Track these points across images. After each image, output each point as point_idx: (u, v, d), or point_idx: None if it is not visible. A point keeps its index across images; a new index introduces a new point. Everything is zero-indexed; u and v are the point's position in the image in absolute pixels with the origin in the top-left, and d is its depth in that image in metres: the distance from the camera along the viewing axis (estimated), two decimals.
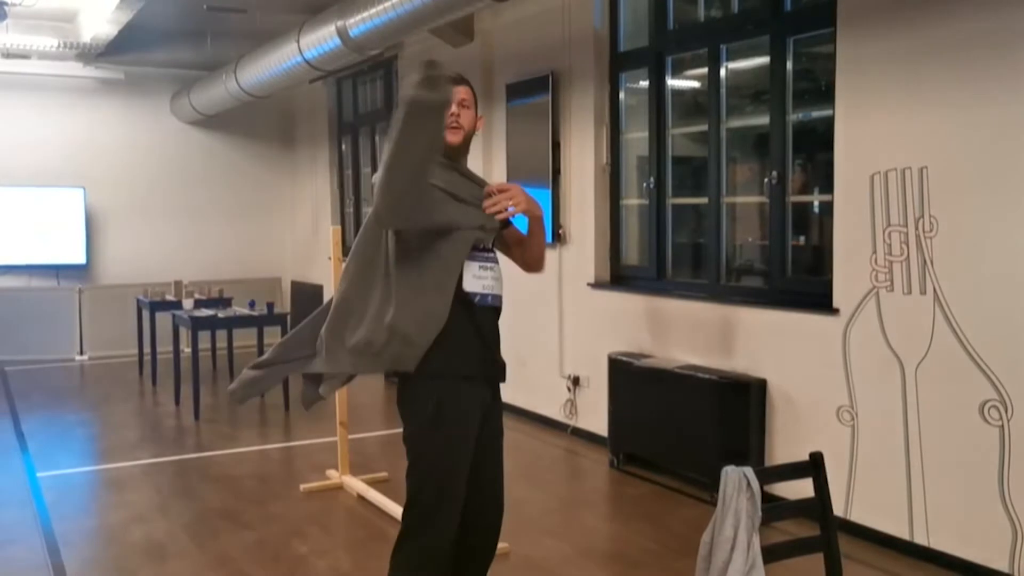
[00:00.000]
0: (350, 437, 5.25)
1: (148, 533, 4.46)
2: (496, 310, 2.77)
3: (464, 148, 2.78)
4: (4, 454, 6.03)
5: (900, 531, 4.06)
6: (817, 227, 4.93)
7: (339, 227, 6.91)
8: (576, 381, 6.18)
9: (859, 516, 4.23)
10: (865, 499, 4.21)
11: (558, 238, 6.28)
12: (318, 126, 10.58)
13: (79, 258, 10.18)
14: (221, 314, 7.35)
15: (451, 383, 2.65)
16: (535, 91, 6.38)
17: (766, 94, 4.90)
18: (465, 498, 2.76)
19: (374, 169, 9.31)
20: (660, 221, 5.69)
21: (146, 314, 8.51)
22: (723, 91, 5.19)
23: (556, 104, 6.26)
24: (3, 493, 5.20)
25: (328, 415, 6.21)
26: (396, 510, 4.25)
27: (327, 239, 7.30)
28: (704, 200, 5.35)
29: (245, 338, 8.40)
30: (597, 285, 6.02)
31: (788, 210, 4.80)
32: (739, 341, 4.91)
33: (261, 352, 7.84)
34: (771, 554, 2.20)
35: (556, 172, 6.29)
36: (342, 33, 6.61)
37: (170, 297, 8.23)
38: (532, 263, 2.97)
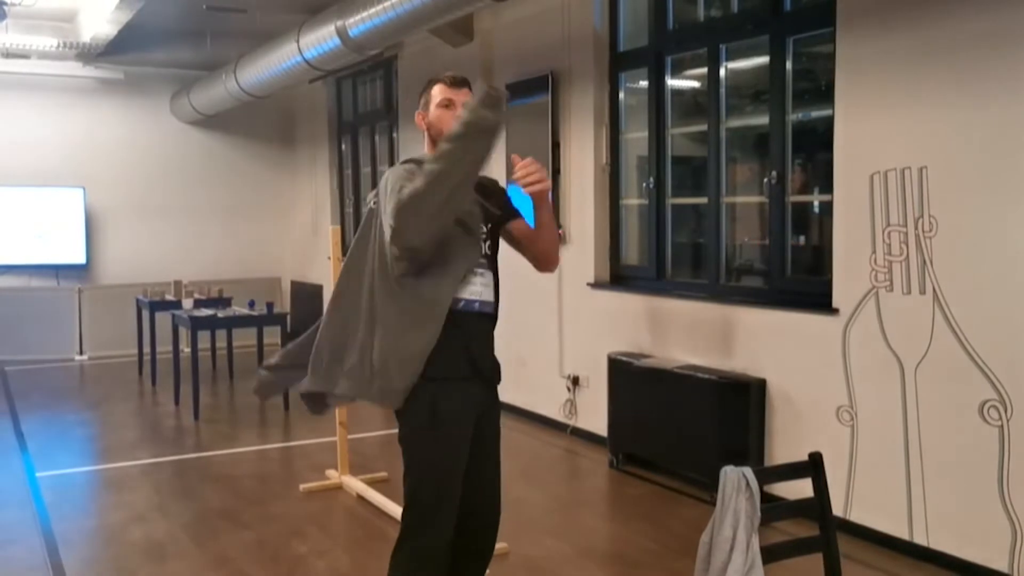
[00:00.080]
0: (349, 437, 5.25)
1: (148, 533, 4.46)
2: (487, 316, 2.74)
3: None
4: (4, 454, 6.03)
5: (899, 531, 4.06)
6: (817, 227, 4.93)
7: (339, 227, 6.91)
8: (576, 381, 6.18)
9: (858, 516, 4.23)
10: (864, 499, 4.21)
11: (559, 243, 6.26)
12: (318, 126, 10.58)
13: (79, 258, 10.18)
14: (221, 314, 7.35)
15: (445, 384, 2.65)
16: (535, 91, 6.38)
17: (766, 94, 4.90)
18: (463, 498, 2.76)
19: (374, 169, 9.32)
20: (660, 221, 5.69)
21: (146, 314, 8.51)
22: (723, 91, 5.19)
23: (556, 104, 6.26)
24: (3, 493, 5.19)
25: (327, 415, 6.22)
26: (395, 510, 4.25)
27: (327, 239, 7.30)
28: (704, 200, 5.35)
29: (245, 338, 8.41)
30: (597, 285, 6.02)
31: (788, 210, 4.80)
32: (739, 341, 4.91)
33: (261, 352, 7.86)
34: (770, 554, 2.20)
35: (556, 172, 6.29)
36: (342, 33, 6.61)
37: (170, 297, 8.23)
38: (544, 257, 2.87)
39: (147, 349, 8.58)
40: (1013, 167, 3.59)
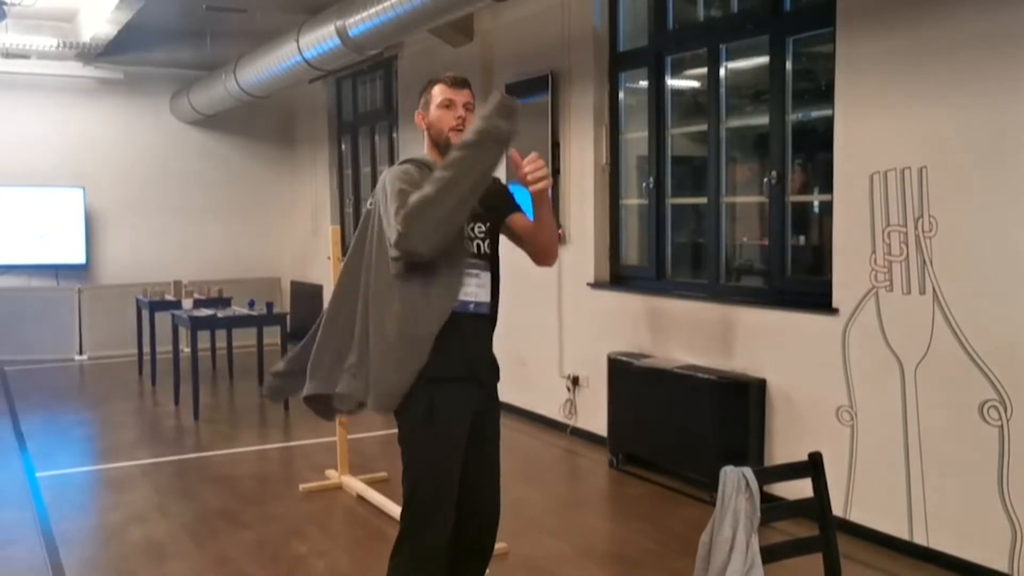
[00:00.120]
0: (349, 437, 5.25)
1: (147, 533, 4.45)
2: (482, 316, 2.74)
3: None
4: (3, 454, 6.03)
5: (899, 531, 4.06)
6: (817, 227, 4.93)
7: (338, 227, 6.92)
8: (576, 381, 6.18)
9: (858, 516, 4.23)
10: (864, 499, 4.21)
11: (558, 238, 6.26)
12: (318, 126, 10.58)
13: (79, 258, 10.18)
14: (220, 314, 7.35)
15: (440, 385, 2.66)
16: (535, 91, 6.38)
17: (766, 94, 4.90)
18: (463, 499, 2.77)
19: (374, 169, 9.32)
20: (660, 221, 5.69)
21: (145, 314, 8.51)
22: (723, 91, 5.19)
23: (556, 104, 6.26)
24: (2, 493, 5.19)
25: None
26: (395, 510, 4.24)
27: (326, 239, 7.31)
28: (704, 200, 5.35)
29: (244, 338, 8.40)
30: (597, 285, 6.02)
31: (788, 210, 4.80)
32: (739, 341, 4.91)
33: (261, 352, 7.86)
34: (770, 554, 2.20)
35: (556, 172, 6.29)
36: (341, 33, 6.61)
37: (169, 297, 8.23)
38: (543, 252, 2.85)
39: (147, 349, 8.57)
40: (1013, 167, 3.58)
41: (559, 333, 6.36)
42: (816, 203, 4.87)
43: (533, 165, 2.59)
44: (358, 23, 6.37)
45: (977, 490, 3.74)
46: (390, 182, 2.66)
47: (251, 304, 7.73)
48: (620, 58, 5.99)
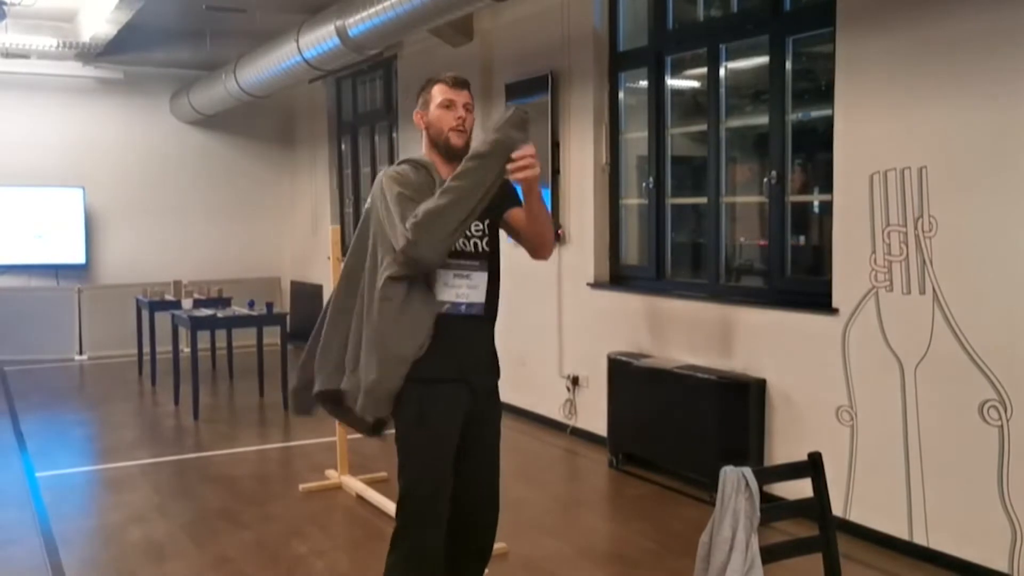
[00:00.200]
0: (349, 437, 5.24)
1: (147, 533, 4.45)
2: (475, 318, 2.74)
3: (465, 151, 2.78)
4: (3, 454, 6.02)
5: (899, 531, 4.06)
6: (817, 227, 4.93)
7: (338, 227, 6.92)
8: (575, 381, 6.18)
9: (858, 516, 4.22)
10: (864, 499, 4.21)
11: (557, 238, 6.27)
12: (317, 126, 10.58)
13: (78, 258, 10.18)
14: (220, 314, 7.35)
15: (431, 386, 2.67)
16: (534, 91, 6.38)
17: (765, 94, 4.90)
18: (461, 499, 2.78)
19: (374, 169, 9.32)
20: (659, 221, 5.69)
21: (145, 314, 8.51)
22: (723, 91, 5.18)
23: (555, 104, 6.26)
24: (2, 493, 5.19)
25: (327, 415, 6.21)
26: (394, 510, 4.24)
27: (326, 239, 7.30)
28: (703, 200, 5.35)
29: (244, 338, 8.40)
30: (596, 285, 6.02)
31: (787, 210, 4.80)
32: (738, 341, 4.91)
33: (261, 352, 7.85)
34: (770, 554, 2.19)
35: (555, 172, 6.29)
36: (341, 33, 6.61)
37: (169, 297, 8.23)
38: (538, 244, 2.83)
39: (147, 349, 8.58)
40: (1013, 167, 3.58)
41: (559, 333, 6.36)
42: (816, 203, 4.87)
43: (519, 153, 2.59)
44: (358, 23, 6.37)
45: (977, 490, 3.74)
46: (387, 185, 2.67)
47: (251, 304, 7.72)
48: (620, 58, 5.99)
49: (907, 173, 3.96)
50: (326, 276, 8.86)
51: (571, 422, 6.24)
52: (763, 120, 4.94)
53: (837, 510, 4.04)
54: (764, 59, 4.88)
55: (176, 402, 7.37)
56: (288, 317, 7.90)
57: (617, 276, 6.06)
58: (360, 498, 4.90)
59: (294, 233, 11.30)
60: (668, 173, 5.68)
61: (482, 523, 2.84)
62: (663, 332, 5.44)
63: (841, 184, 4.29)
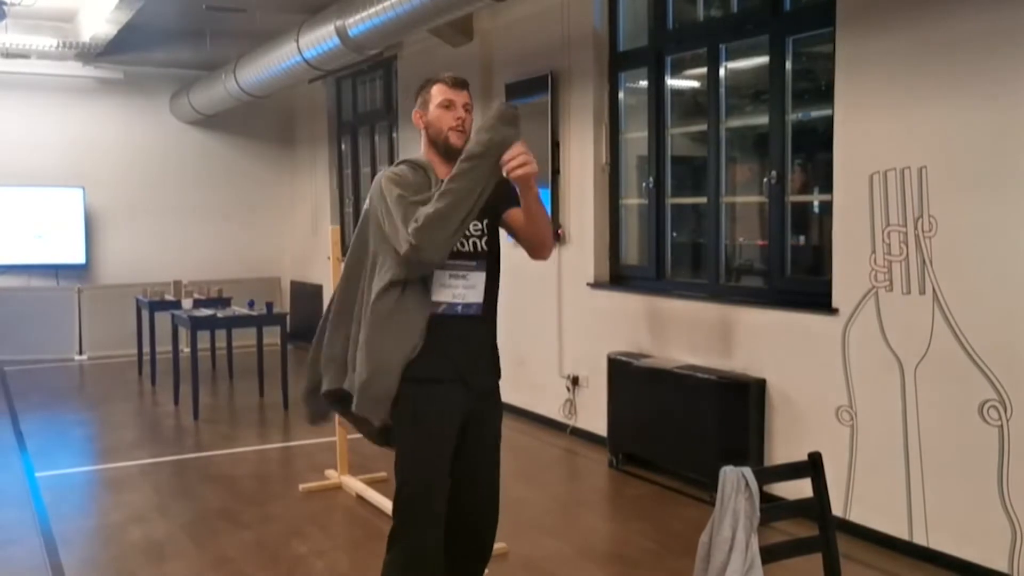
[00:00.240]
0: (349, 437, 5.24)
1: (147, 533, 4.45)
2: (472, 318, 2.74)
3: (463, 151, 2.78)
4: (3, 454, 6.02)
5: (899, 531, 4.06)
6: (817, 227, 4.93)
7: (338, 227, 6.92)
8: (575, 381, 6.18)
9: (858, 516, 4.22)
10: (864, 499, 4.21)
11: (557, 238, 6.27)
12: (317, 126, 10.58)
13: (78, 258, 10.17)
14: (220, 314, 7.35)
15: (425, 386, 2.68)
16: (534, 91, 6.38)
17: (765, 94, 4.90)
18: (462, 499, 2.78)
19: (374, 169, 9.32)
20: (659, 221, 5.69)
21: (145, 314, 8.51)
22: (723, 91, 5.18)
23: (555, 104, 6.26)
24: (2, 493, 5.19)
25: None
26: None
27: (326, 239, 7.30)
28: (703, 200, 5.35)
29: (244, 338, 8.40)
30: (596, 285, 6.02)
31: (787, 210, 4.80)
32: (738, 341, 4.91)
33: (261, 352, 7.85)
34: (770, 554, 2.19)
35: (555, 172, 6.29)
36: (341, 33, 6.61)
37: (169, 297, 8.23)
38: (536, 244, 2.82)
39: (147, 349, 8.58)
40: (1013, 167, 3.58)
41: (559, 333, 6.36)
42: (816, 203, 4.87)
43: (513, 152, 2.58)
44: (358, 23, 6.37)
45: (977, 490, 3.74)
46: (386, 187, 2.68)
47: (251, 304, 7.72)
48: (620, 58, 5.99)
49: (907, 173, 3.96)
50: (326, 276, 8.86)
51: (571, 422, 6.24)
52: (763, 120, 4.94)
53: (837, 510, 4.04)
54: (764, 59, 4.88)
55: (176, 402, 7.37)
56: (288, 317, 7.90)
57: (617, 276, 6.05)
58: (360, 498, 4.90)
59: (294, 233, 11.30)
60: (668, 173, 5.68)
61: (482, 523, 2.84)
62: (663, 332, 5.44)
63: (841, 184, 4.29)
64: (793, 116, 4.77)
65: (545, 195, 6.26)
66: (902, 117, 3.99)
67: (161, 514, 4.74)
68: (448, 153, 2.74)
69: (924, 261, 3.90)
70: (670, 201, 5.69)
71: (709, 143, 5.23)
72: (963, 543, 3.81)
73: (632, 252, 6.08)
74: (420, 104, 2.81)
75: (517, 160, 2.56)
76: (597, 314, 5.99)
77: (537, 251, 2.85)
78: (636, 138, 5.96)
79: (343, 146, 10.26)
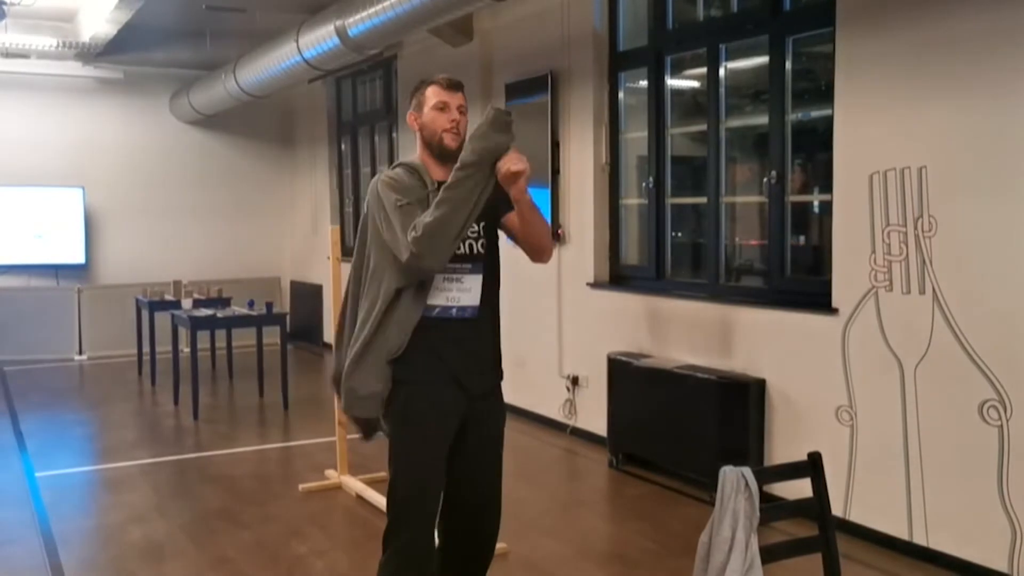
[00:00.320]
0: (349, 437, 5.24)
1: (146, 533, 4.45)
2: (467, 321, 2.74)
3: (459, 152, 2.78)
4: (3, 454, 6.02)
5: (899, 531, 4.06)
6: (816, 227, 4.93)
7: (338, 227, 6.91)
8: (575, 381, 6.18)
9: (858, 516, 4.22)
10: (864, 499, 4.21)
11: (557, 238, 6.27)
12: (317, 126, 10.58)
13: (78, 258, 10.17)
14: (220, 314, 7.35)
15: (416, 387, 2.70)
16: (534, 91, 6.37)
17: (765, 94, 4.90)
18: (462, 499, 2.79)
19: (374, 169, 9.32)
20: (659, 221, 5.69)
21: (145, 314, 8.51)
22: (722, 91, 5.18)
23: (555, 104, 6.25)
24: (2, 493, 5.19)
25: (327, 415, 6.21)
26: None
27: (326, 239, 7.30)
28: (703, 200, 5.35)
29: (244, 338, 8.40)
30: (596, 285, 6.02)
31: (787, 210, 4.80)
32: (738, 341, 4.91)
33: (260, 352, 7.85)
34: (769, 554, 2.19)
35: (555, 172, 6.29)
36: (341, 33, 6.60)
37: (169, 297, 8.23)
38: (535, 250, 2.82)
39: (146, 349, 8.57)
40: (1013, 167, 3.58)
41: (559, 333, 6.36)
42: (816, 203, 4.87)
43: (506, 159, 2.58)
44: (358, 23, 6.36)
45: (977, 490, 3.74)
46: (383, 192, 2.68)
47: (251, 304, 7.72)
48: (620, 58, 5.99)
49: (907, 173, 3.96)
50: (326, 276, 8.85)
51: (571, 422, 6.24)
52: (763, 120, 4.93)
53: (837, 510, 4.04)
54: (764, 59, 4.88)
55: (176, 402, 7.37)
56: (288, 317, 7.90)
57: (617, 276, 6.05)
58: (360, 498, 4.90)
59: (294, 233, 11.30)
60: (668, 173, 5.68)
61: (483, 524, 2.84)
62: (663, 332, 5.44)
63: (841, 184, 4.29)
64: (793, 116, 4.77)
65: (545, 195, 6.26)
66: (902, 117, 3.99)
67: (160, 514, 4.74)
68: (443, 155, 2.74)
69: (924, 261, 3.90)
70: (670, 201, 5.69)
71: (709, 143, 5.23)
72: (963, 543, 3.81)
73: (632, 252, 6.08)
74: (415, 106, 2.81)
75: (513, 167, 2.56)
76: (597, 314, 5.99)
77: (536, 255, 2.86)
78: (636, 138, 5.96)
79: (343, 146, 10.26)
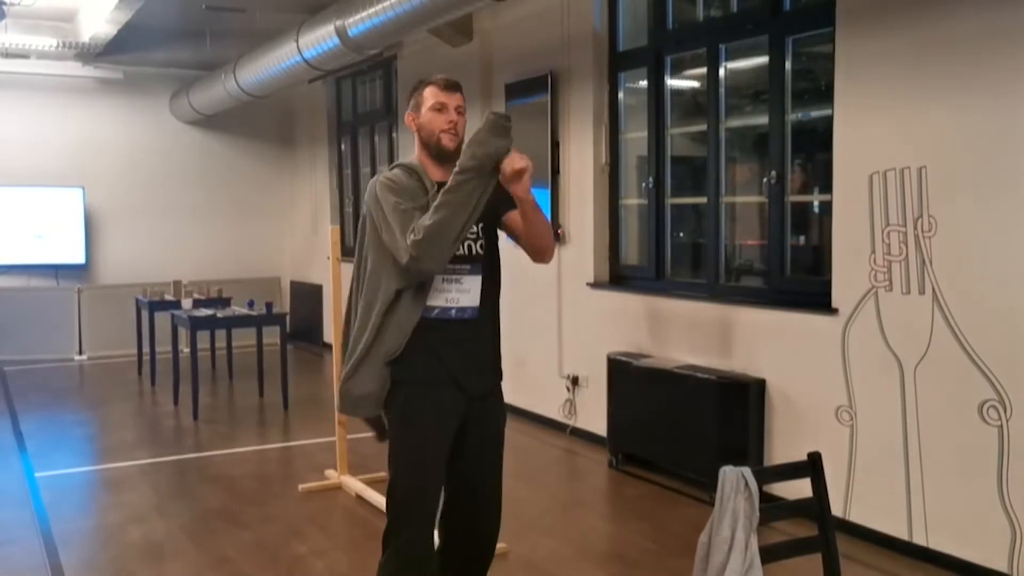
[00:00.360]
0: (348, 437, 5.24)
1: (146, 533, 4.45)
2: (467, 321, 2.73)
3: (457, 154, 2.78)
4: (3, 454, 6.02)
5: (899, 531, 4.06)
6: (816, 227, 4.93)
7: (338, 227, 6.91)
8: (575, 381, 6.18)
9: (858, 516, 4.22)
10: (864, 499, 4.21)
11: (557, 238, 6.28)
12: (317, 126, 10.58)
13: (78, 258, 10.17)
14: (220, 314, 7.34)
15: (415, 387, 2.70)
16: (534, 91, 6.37)
17: (765, 94, 4.90)
18: (462, 500, 2.79)
19: (373, 169, 9.32)
20: (659, 221, 5.69)
21: (145, 314, 8.50)
22: (722, 91, 5.18)
23: (555, 104, 6.25)
24: (2, 493, 5.19)
25: (327, 415, 6.21)
26: None
27: (326, 239, 7.30)
28: (703, 200, 5.35)
29: (244, 338, 8.40)
30: (596, 285, 6.02)
31: (787, 210, 4.80)
32: (738, 341, 4.91)
33: (260, 352, 7.84)
34: (769, 554, 2.19)
35: (555, 172, 6.29)
36: (341, 33, 6.60)
37: (169, 297, 8.23)
38: (537, 250, 2.82)
39: (146, 349, 8.57)
40: (1013, 167, 3.58)
41: (559, 333, 6.35)
42: (816, 203, 4.87)
43: (508, 159, 2.58)
44: (357, 23, 6.36)
45: (977, 490, 3.74)
46: (381, 194, 2.68)
47: (251, 304, 7.72)
48: (620, 58, 5.99)
49: (906, 173, 3.96)
50: (326, 276, 8.85)
51: (571, 422, 6.24)
52: (763, 120, 4.93)
53: (837, 510, 4.04)
54: (764, 59, 4.88)
55: (176, 402, 7.37)
56: (288, 317, 7.90)
57: (617, 276, 6.05)
58: (360, 498, 4.90)
59: (294, 233, 11.30)
60: (668, 173, 5.68)
61: (483, 524, 2.84)
62: (663, 332, 5.44)
63: (840, 184, 4.29)
64: (793, 116, 4.77)
65: (545, 195, 6.26)
66: (902, 117, 3.99)
67: (160, 514, 4.74)
68: (440, 156, 2.74)
69: (924, 261, 3.90)
70: (670, 201, 5.69)
71: (709, 143, 5.23)
72: (963, 543, 3.81)
73: (632, 252, 6.08)
74: (412, 106, 2.81)
75: (517, 165, 2.56)
76: (597, 314, 5.99)
77: (538, 256, 2.85)
78: (636, 138, 5.96)
79: (343, 146, 10.26)
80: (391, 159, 8.92)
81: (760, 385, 4.71)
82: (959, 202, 3.77)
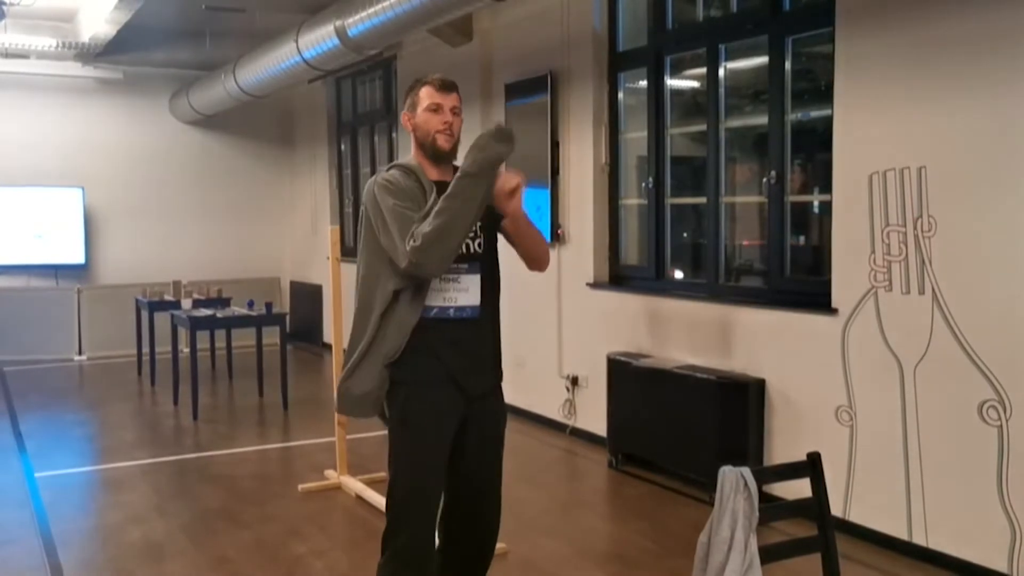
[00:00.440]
0: (348, 437, 5.24)
1: (146, 533, 4.45)
2: (467, 321, 2.74)
3: (453, 154, 2.78)
4: (2, 454, 6.02)
5: (899, 531, 4.05)
6: (816, 227, 4.93)
7: (338, 227, 6.91)
8: (575, 381, 6.18)
9: (857, 516, 4.22)
10: (863, 499, 4.21)
11: (557, 238, 6.28)
12: (317, 126, 10.58)
13: (78, 258, 10.17)
14: (220, 314, 7.34)
15: (414, 388, 2.70)
16: (534, 91, 6.37)
17: (765, 94, 4.90)
18: (462, 499, 2.78)
19: (373, 169, 9.32)
20: (659, 221, 5.69)
21: (145, 314, 8.50)
22: (722, 91, 5.18)
23: (555, 104, 6.25)
24: (1, 493, 5.19)
25: (326, 415, 6.21)
26: None
27: (326, 239, 7.30)
28: (703, 200, 5.35)
29: (244, 338, 8.40)
30: (596, 285, 6.02)
31: (787, 210, 4.80)
32: (738, 341, 4.91)
33: (260, 352, 7.84)
34: (769, 554, 2.19)
35: (555, 172, 6.29)
36: (341, 33, 6.60)
37: (169, 297, 8.23)
38: (532, 259, 2.89)
39: (146, 349, 8.57)
40: (1013, 167, 3.58)
41: (558, 333, 6.35)
42: (815, 203, 4.87)
43: (500, 180, 2.62)
44: (357, 23, 6.36)
45: (976, 490, 3.74)
46: (379, 195, 2.68)
47: (250, 304, 7.72)
48: (619, 58, 5.99)
49: (906, 173, 3.96)
50: (325, 276, 8.85)
51: (571, 422, 6.24)
52: (763, 120, 4.93)
53: (836, 510, 4.03)
54: (763, 59, 4.88)
55: (175, 402, 7.37)
56: (287, 317, 7.90)
57: (617, 276, 6.05)
58: (359, 498, 4.90)
59: (294, 233, 11.30)
60: (668, 173, 5.68)
61: (483, 524, 2.84)
62: (663, 332, 5.44)
63: (840, 184, 4.29)
64: (792, 116, 4.77)
65: (545, 195, 6.26)
66: (902, 117, 3.99)
67: (160, 514, 4.74)
68: (436, 156, 2.74)
69: (923, 261, 3.90)
70: (670, 201, 5.69)
71: (709, 143, 5.23)
72: (963, 543, 3.81)
73: (632, 252, 6.08)
74: (408, 106, 2.81)
75: (510, 184, 2.60)
76: (597, 314, 5.99)
77: (534, 264, 2.91)
78: (636, 138, 5.96)
79: (343, 146, 10.26)
80: (391, 159, 8.92)
81: (760, 385, 4.71)
82: (959, 202, 3.77)
